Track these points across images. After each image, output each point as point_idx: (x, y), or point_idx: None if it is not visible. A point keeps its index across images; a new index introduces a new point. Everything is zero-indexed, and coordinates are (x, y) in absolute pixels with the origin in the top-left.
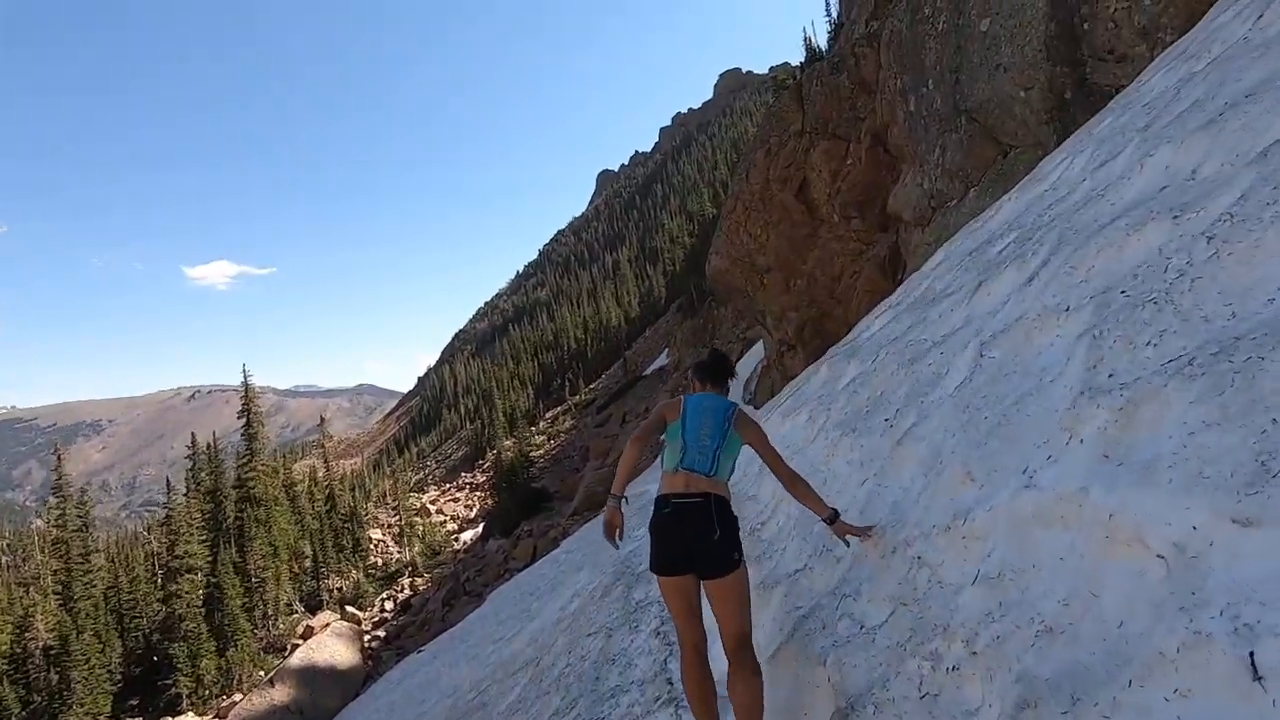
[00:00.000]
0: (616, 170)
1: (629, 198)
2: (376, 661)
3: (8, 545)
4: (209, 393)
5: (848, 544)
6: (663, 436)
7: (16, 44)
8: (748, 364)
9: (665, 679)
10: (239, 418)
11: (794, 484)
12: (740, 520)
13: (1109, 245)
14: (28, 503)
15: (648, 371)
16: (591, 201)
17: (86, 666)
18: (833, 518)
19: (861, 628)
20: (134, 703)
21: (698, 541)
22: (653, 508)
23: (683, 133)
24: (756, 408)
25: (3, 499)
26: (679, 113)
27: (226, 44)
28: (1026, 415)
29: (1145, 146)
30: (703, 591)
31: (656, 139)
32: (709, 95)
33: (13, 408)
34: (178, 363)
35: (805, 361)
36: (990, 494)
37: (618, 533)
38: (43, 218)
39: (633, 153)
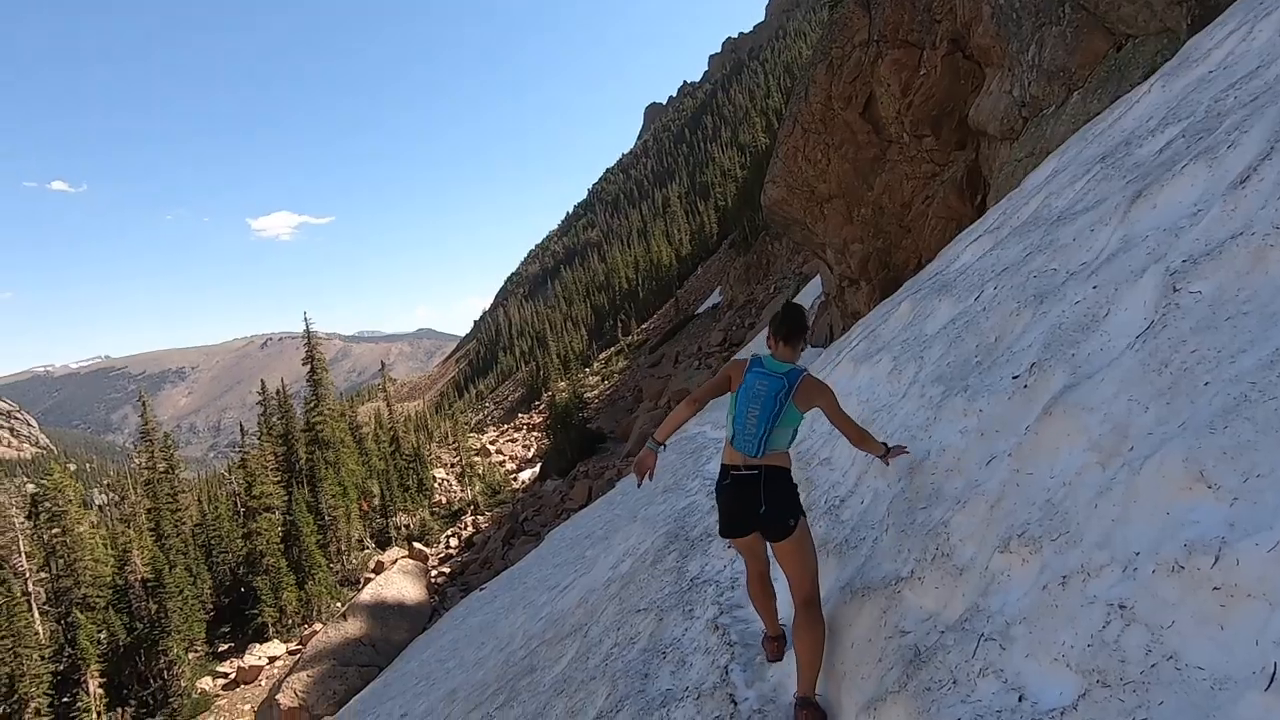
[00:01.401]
0: (664, 103)
1: (678, 131)
2: (442, 597)
3: (108, 485)
4: (280, 340)
5: (887, 463)
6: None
7: (88, 10)
8: (804, 300)
9: (727, 694)
10: (303, 364)
11: (863, 440)
12: (814, 490)
13: None
14: (127, 444)
15: (700, 310)
16: (640, 137)
17: (180, 597)
18: (885, 451)
19: (1033, 709)
20: (225, 630)
21: (753, 510)
22: (718, 474)
23: (733, 59)
24: (814, 346)
25: (105, 441)
26: (729, 38)
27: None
28: None
29: None
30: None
31: (705, 67)
32: (760, 17)
33: (106, 357)
34: (250, 311)
35: (870, 297)
36: (1259, 516)
37: (648, 474)
38: (118, 177)
39: (681, 83)
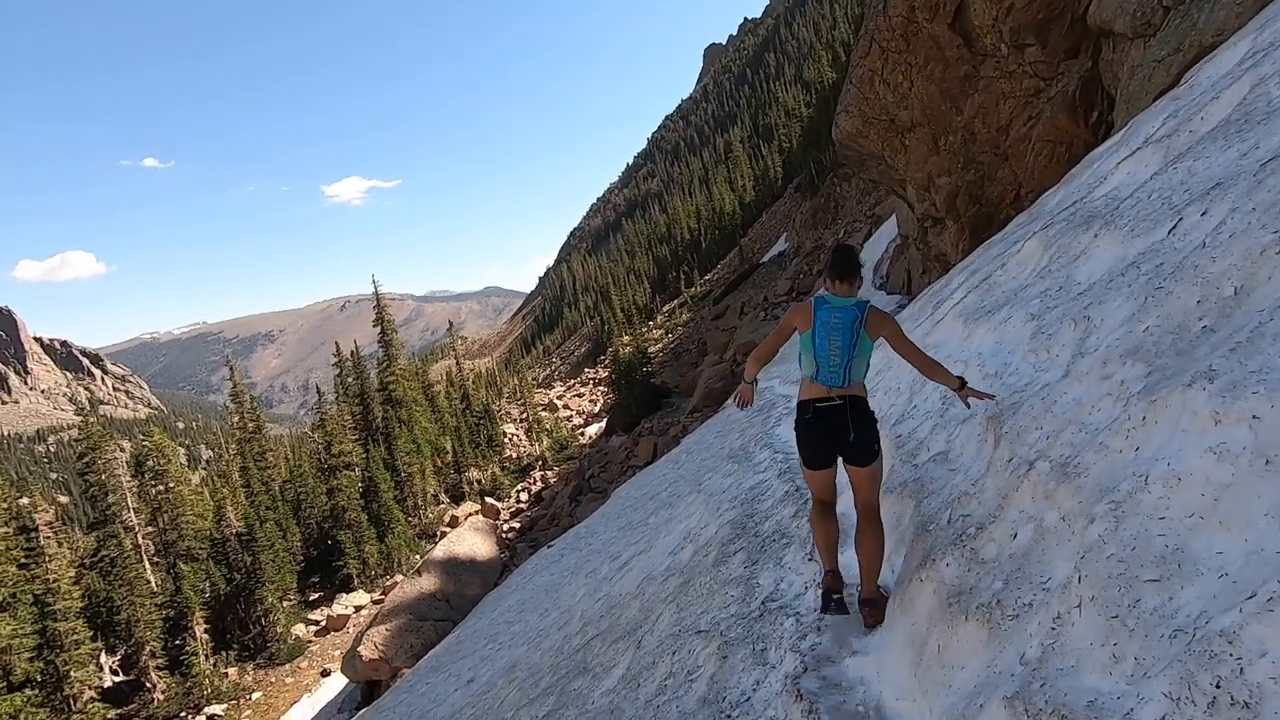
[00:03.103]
0: (725, 43)
1: (739, 72)
2: (512, 553)
3: (206, 444)
4: (357, 302)
5: (969, 405)
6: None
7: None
8: (876, 246)
9: None
10: (373, 325)
11: (932, 369)
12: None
13: None
14: (228, 403)
15: (765, 258)
16: (700, 81)
17: (272, 550)
18: (961, 385)
19: None
20: (315, 580)
21: (843, 438)
22: (796, 411)
23: None
24: (890, 293)
25: (208, 402)
26: None
27: None
28: None
29: None
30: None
31: (767, 2)
32: None
33: (204, 323)
34: (328, 275)
35: (958, 237)
36: None
37: (747, 403)
38: (201, 154)
39: (741, 21)
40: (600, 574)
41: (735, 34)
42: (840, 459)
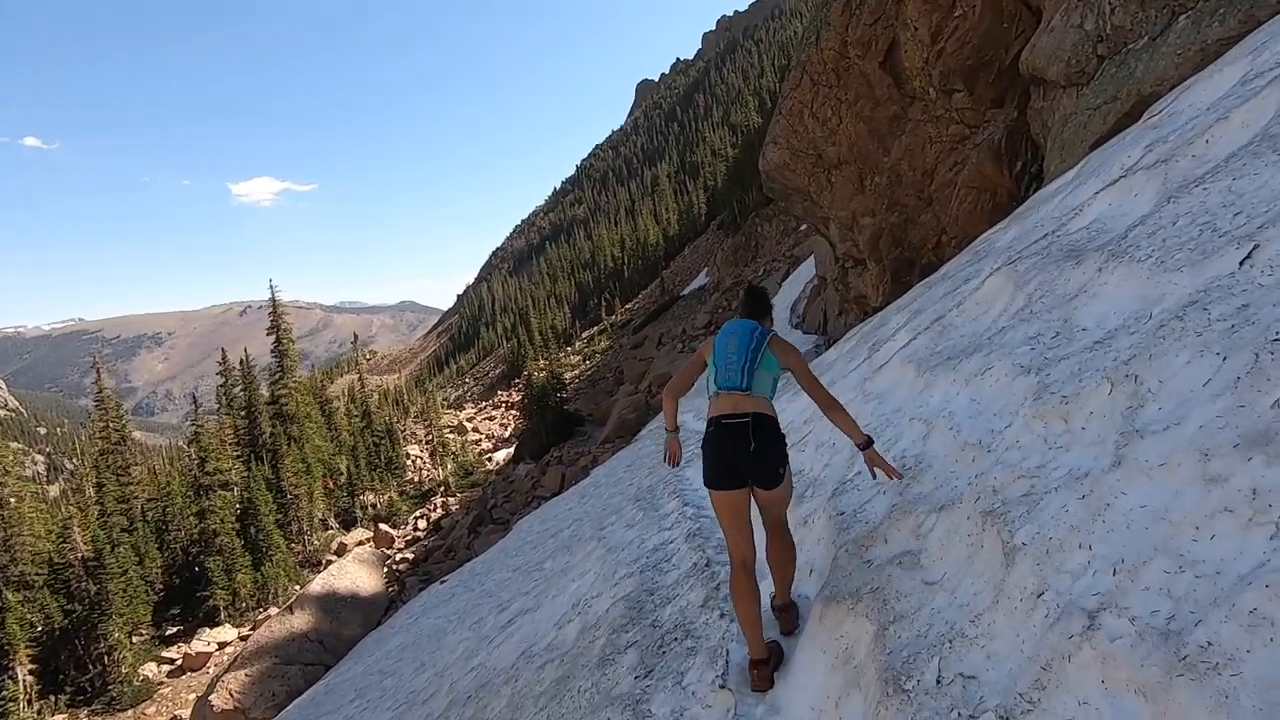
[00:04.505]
0: (657, 80)
1: (669, 109)
2: (401, 587)
3: (68, 453)
4: (260, 308)
5: (874, 475)
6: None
7: None
8: (794, 286)
9: None
10: (268, 334)
11: (832, 410)
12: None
13: None
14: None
15: (686, 291)
16: (630, 114)
17: (123, 578)
18: (866, 444)
19: None
20: (174, 613)
21: (743, 452)
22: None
23: (727, 38)
24: (806, 333)
25: (77, 406)
26: (724, 16)
27: None
28: None
29: None
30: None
31: (699, 45)
32: None
33: (80, 320)
34: (229, 278)
35: (879, 279)
36: None
37: (676, 461)
38: (92, 133)
39: (674, 60)
40: (484, 627)
41: (668, 72)
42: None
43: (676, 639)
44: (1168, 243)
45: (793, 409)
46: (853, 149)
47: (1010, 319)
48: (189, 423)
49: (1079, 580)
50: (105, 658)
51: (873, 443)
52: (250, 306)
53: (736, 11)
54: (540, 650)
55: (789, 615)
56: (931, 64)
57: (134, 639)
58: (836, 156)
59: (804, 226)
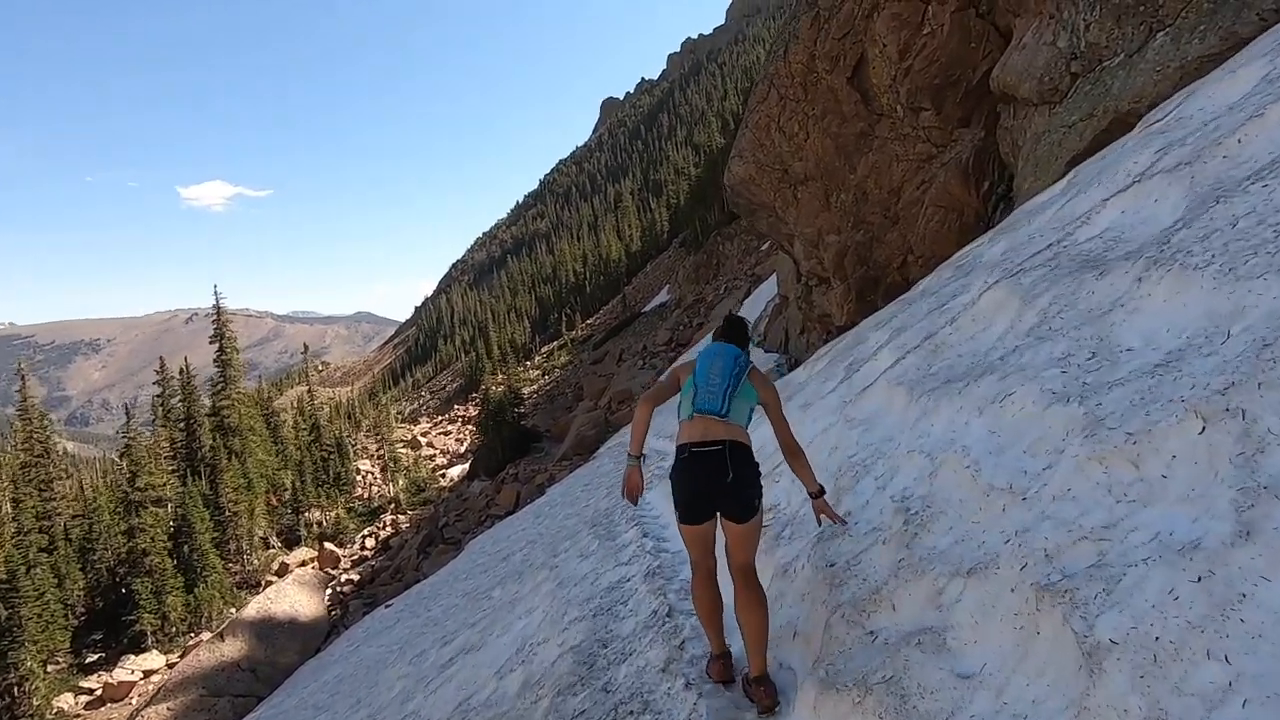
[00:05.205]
0: (622, 99)
1: (634, 128)
2: (344, 611)
3: None
4: (206, 315)
5: (819, 522)
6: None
7: None
8: (755, 305)
9: None
10: (211, 341)
11: (794, 456)
12: None
13: None
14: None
15: (648, 308)
16: (595, 130)
17: (39, 602)
18: (819, 494)
19: None
20: (96, 639)
21: (719, 481)
22: (674, 458)
23: (692, 60)
24: (768, 351)
25: (4, 415)
26: (689, 38)
27: None
28: None
29: None
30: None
31: (664, 66)
32: (721, 20)
33: (10, 324)
34: (175, 285)
35: (844, 298)
36: None
37: (639, 493)
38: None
39: (639, 79)
40: (425, 663)
41: (632, 92)
42: (718, 515)
43: (632, 712)
44: (1231, 247)
45: (759, 435)
46: (819, 165)
47: (1022, 337)
48: (120, 435)
49: (1216, 712)
50: (15, 689)
51: (824, 492)
52: (197, 314)
53: (701, 34)
54: (478, 705)
55: (768, 690)
56: (899, 81)
57: (49, 668)
58: (803, 172)
59: (766, 245)
